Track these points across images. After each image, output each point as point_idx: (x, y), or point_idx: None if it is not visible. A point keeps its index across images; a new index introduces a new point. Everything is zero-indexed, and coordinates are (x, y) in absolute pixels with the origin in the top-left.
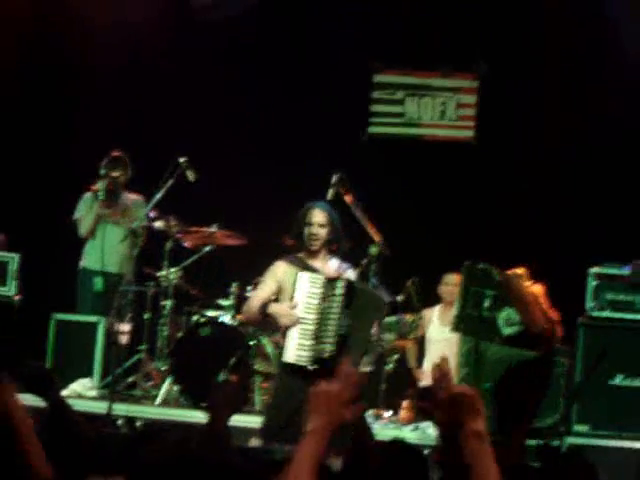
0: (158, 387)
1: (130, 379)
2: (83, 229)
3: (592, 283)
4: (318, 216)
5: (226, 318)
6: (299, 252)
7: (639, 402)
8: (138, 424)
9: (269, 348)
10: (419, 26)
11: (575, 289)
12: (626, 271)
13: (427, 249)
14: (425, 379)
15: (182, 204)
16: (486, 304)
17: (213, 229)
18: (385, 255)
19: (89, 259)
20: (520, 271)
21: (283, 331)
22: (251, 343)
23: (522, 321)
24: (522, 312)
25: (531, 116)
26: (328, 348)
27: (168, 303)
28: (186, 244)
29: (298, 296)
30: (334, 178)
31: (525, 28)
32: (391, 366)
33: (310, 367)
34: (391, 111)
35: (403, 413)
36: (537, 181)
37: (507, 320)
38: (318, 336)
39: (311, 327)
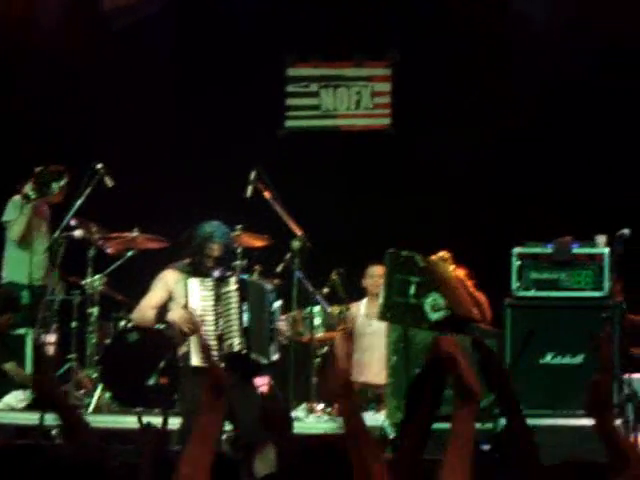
0: (90, 395)
1: (62, 388)
2: (15, 233)
3: (516, 263)
4: (218, 251)
5: None
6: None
7: (570, 379)
8: None
9: None
10: (330, 16)
11: (499, 270)
12: (549, 249)
13: (349, 240)
14: (356, 372)
15: (101, 210)
16: (411, 291)
17: (134, 234)
18: (308, 249)
19: (15, 272)
20: (443, 255)
21: (184, 339)
22: None
23: (448, 305)
24: (448, 296)
25: (445, 100)
26: (237, 342)
27: (94, 310)
28: (108, 250)
29: (193, 302)
30: (252, 174)
31: (435, 12)
32: (320, 359)
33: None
34: (307, 104)
35: (337, 405)
36: (455, 165)
37: (433, 306)
38: (221, 335)
39: (212, 328)
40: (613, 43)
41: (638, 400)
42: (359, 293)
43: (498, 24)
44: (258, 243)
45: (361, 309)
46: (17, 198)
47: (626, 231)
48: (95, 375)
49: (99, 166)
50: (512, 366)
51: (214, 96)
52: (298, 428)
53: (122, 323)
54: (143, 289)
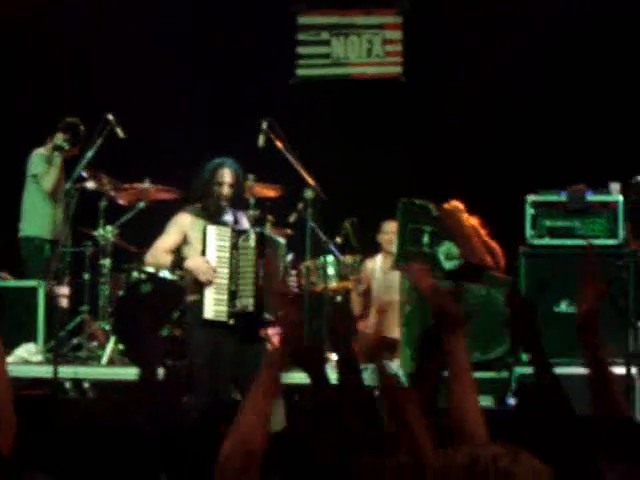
0: (103, 347)
1: (75, 341)
2: (48, 184)
3: (530, 211)
4: (229, 177)
5: (165, 273)
6: (202, 205)
7: None
8: (86, 385)
9: None
10: None
11: (513, 219)
12: (563, 197)
13: (362, 189)
14: (370, 330)
15: (113, 162)
16: (425, 240)
17: (146, 185)
18: (320, 198)
19: (40, 227)
20: (457, 204)
21: (197, 288)
22: None
23: (462, 254)
24: (462, 245)
25: (457, 48)
26: (251, 302)
27: (107, 262)
28: (120, 201)
29: (208, 251)
30: (264, 124)
31: None
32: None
33: (230, 322)
34: (318, 52)
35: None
36: (467, 113)
37: (447, 254)
38: (234, 290)
39: (225, 281)
40: None
41: None
42: (372, 245)
43: None
44: (270, 193)
45: (377, 264)
46: (41, 150)
47: None
48: (108, 327)
49: (110, 117)
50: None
51: (225, 46)
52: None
53: (134, 274)
54: (155, 240)
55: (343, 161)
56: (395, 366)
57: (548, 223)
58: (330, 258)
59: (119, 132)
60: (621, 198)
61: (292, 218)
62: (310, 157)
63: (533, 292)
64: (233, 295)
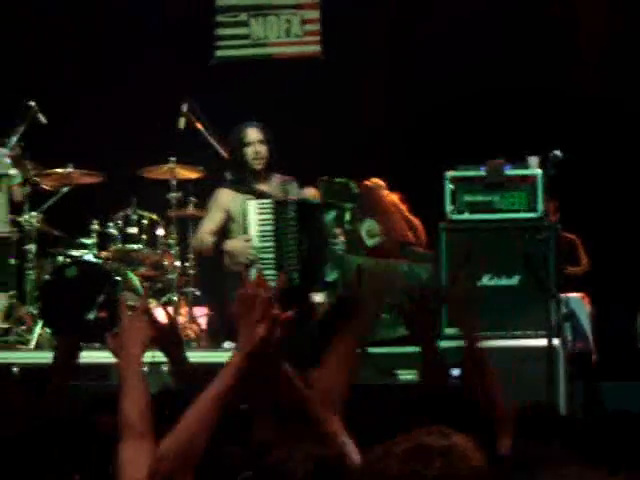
0: (31, 331)
1: (3, 326)
2: None
3: (449, 187)
4: (256, 134)
5: (90, 256)
6: (238, 175)
7: (508, 300)
8: (15, 370)
9: (136, 282)
10: None
11: (433, 194)
12: (482, 172)
13: (282, 168)
14: None
15: (35, 148)
16: (347, 218)
17: (69, 169)
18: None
19: None
20: (377, 181)
21: (244, 267)
22: (117, 279)
23: (383, 231)
24: (383, 222)
25: (374, 25)
26: (296, 276)
27: (32, 247)
28: (44, 187)
29: (251, 227)
30: (184, 106)
31: None
32: None
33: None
34: (237, 33)
35: None
36: (385, 90)
37: (369, 231)
38: (281, 264)
39: (271, 255)
40: None
41: (575, 319)
42: None
43: None
44: (193, 175)
45: None
46: None
47: (558, 152)
48: (35, 311)
49: (32, 103)
50: (449, 288)
51: (145, 28)
52: None
53: (60, 258)
54: (79, 224)
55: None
56: None
57: (467, 198)
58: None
59: (41, 118)
60: (540, 172)
61: None
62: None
63: (455, 266)
64: (278, 269)
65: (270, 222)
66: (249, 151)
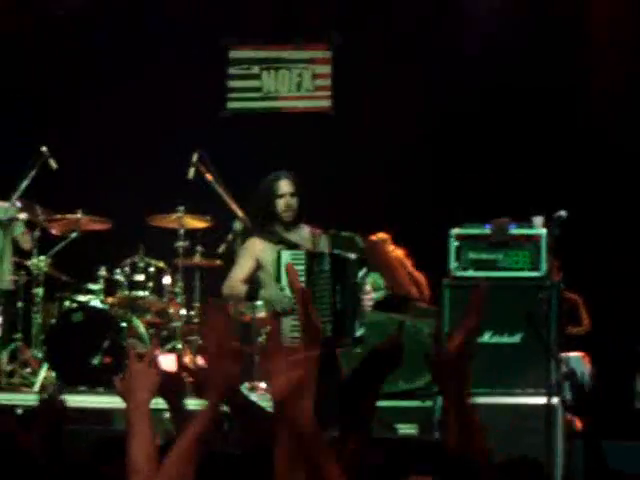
0: (36, 374)
1: (8, 368)
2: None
3: (454, 244)
4: (288, 186)
5: (96, 302)
6: (269, 226)
7: (508, 358)
8: (19, 411)
9: (141, 329)
10: None
11: (438, 251)
12: (487, 230)
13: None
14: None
15: (46, 193)
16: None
17: (78, 215)
18: (249, 230)
19: None
20: (383, 236)
21: (274, 315)
22: (123, 325)
23: (387, 285)
24: (387, 277)
25: (385, 83)
26: (327, 327)
27: (40, 291)
28: (53, 231)
29: (284, 277)
30: (194, 156)
31: None
32: (264, 337)
33: None
34: (248, 86)
35: None
36: (394, 146)
37: (373, 285)
38: None
39: None
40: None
41: (576, 378)
42: None
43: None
44: (200, 224)
45: None
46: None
47: (563, 213)
48: (40, 355)
49: (43, 149)
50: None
51: (159, 78)
52: None
53: (67, 303)
54: (87, 270)
55: None
56: None
57: (472, 255)
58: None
59: (52, 163)
60: (544, 231)
61: (221, 249)
62: (240, 189)
63: (457, 323)
64: None
65: (302, 273)
66: (281, 203)
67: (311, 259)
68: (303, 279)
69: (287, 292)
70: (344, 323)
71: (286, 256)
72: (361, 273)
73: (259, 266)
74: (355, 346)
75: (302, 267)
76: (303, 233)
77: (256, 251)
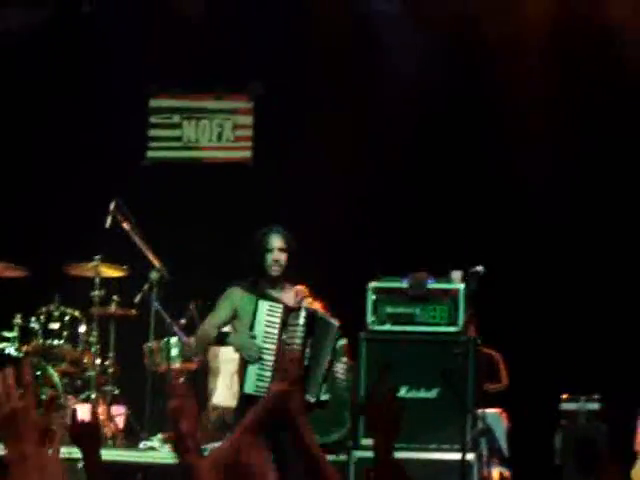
0: None
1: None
2: None
3: (371, 297)
4: (278, 241)
5: (11, 349)
6: (253, 280)
7: (425, 413)
8: None
9: (55, 378)
10: (193, 49)
11: (355, 304)
12: (404, 284)
13: (208, 272)
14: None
15: None
16: None
17: None
18: (166, 280)
19: None
20: (300, 288)
21: (242, 363)
22: (37, 373)
23: None
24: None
25: (307, 134)
26: None
27: None
28: None
29: (257, 326)
30: (112, 205)
31: (295, 44)
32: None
33: None
34: (169, 135)
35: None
36: (313, 199)
37: None
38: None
39: (271, 358)
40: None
41: (491, 435)
42: None
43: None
44: (116, 273)
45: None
46: None
47: (480, 268)
48: None
49: None
50: (367, 399)
51: (79, 124)
52: (154, 457)
53: None
54: (2, 317)
55: (190, 243)
56: None
57: (389, 309)
58: (174, 339)
59: None
60: (462, 286)
61: (137, 298)
62: (158, 239)
63: (374, 377)
64: (277, 371)
65: (277, 325)
66: (269, 257)
67: (287, 312)
68: (276, 331)
69: (258, 342)
70: (308, 380)
71: (263, 306)
72: (341, 342)
73: (235, 315)
74: (314, 408)
75: (278, 320)
76: (288, 293)
77: (235, 300)
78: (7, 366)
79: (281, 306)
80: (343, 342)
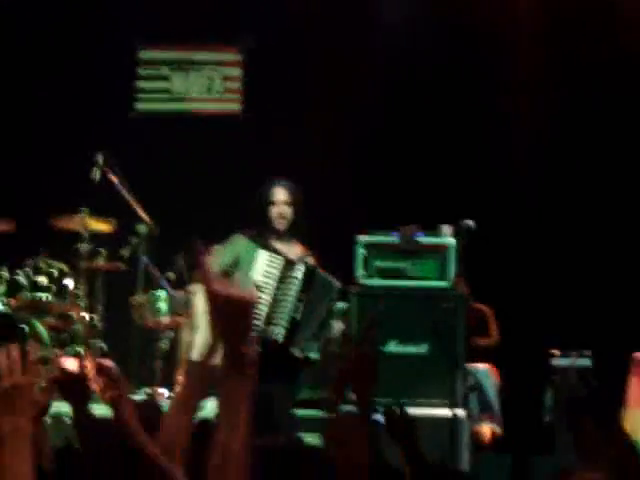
0: None
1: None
2: None
3: (361, 251)
4: (283, 194)
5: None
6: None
7: (414, 368)
8: None
9: (42, 331)
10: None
11: (345, 258)
12: (394, 238)
13: (198, 225)
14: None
15: None
16: None
17: None
18: (154, 233)
19: None
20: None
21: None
22: (23, 327)
23: None
24: None
25: (297, 87)
26: (279, 331)
27: None
28: None
29: (255, 275)
30: (99, 157)
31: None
32: (166, 343)
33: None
34: (158, 87)
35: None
36: (302, 153)
37: None
38: (269, 318)
39: (264, 308)
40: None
41: (481, 391)
42: None
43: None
44: (104, 227)
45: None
46: None
47: (470, 222)
48: None
49: None
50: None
51: (66, 76)
52: None
53: None
54: None
55: (180, 196)
56: None
57: (379, 264)
58: (162, 293)
59: None
60: (452, 241)
61: (125, 252)
62: (147, 192)
63: (363, 330)
64: (267, 320)
65: (274, 277)
66: (273, 210)
67: (287, 266)
68: (272, 283)
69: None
70: (296, 335)
71: (263, 256)
72: (340, 305)
73: (235, 263)
74: (303, 365)
75: (276, 272)
76: (294, 248)
77: (238, 247)
78: None
79: (282, 258)
80: (342, 305)
